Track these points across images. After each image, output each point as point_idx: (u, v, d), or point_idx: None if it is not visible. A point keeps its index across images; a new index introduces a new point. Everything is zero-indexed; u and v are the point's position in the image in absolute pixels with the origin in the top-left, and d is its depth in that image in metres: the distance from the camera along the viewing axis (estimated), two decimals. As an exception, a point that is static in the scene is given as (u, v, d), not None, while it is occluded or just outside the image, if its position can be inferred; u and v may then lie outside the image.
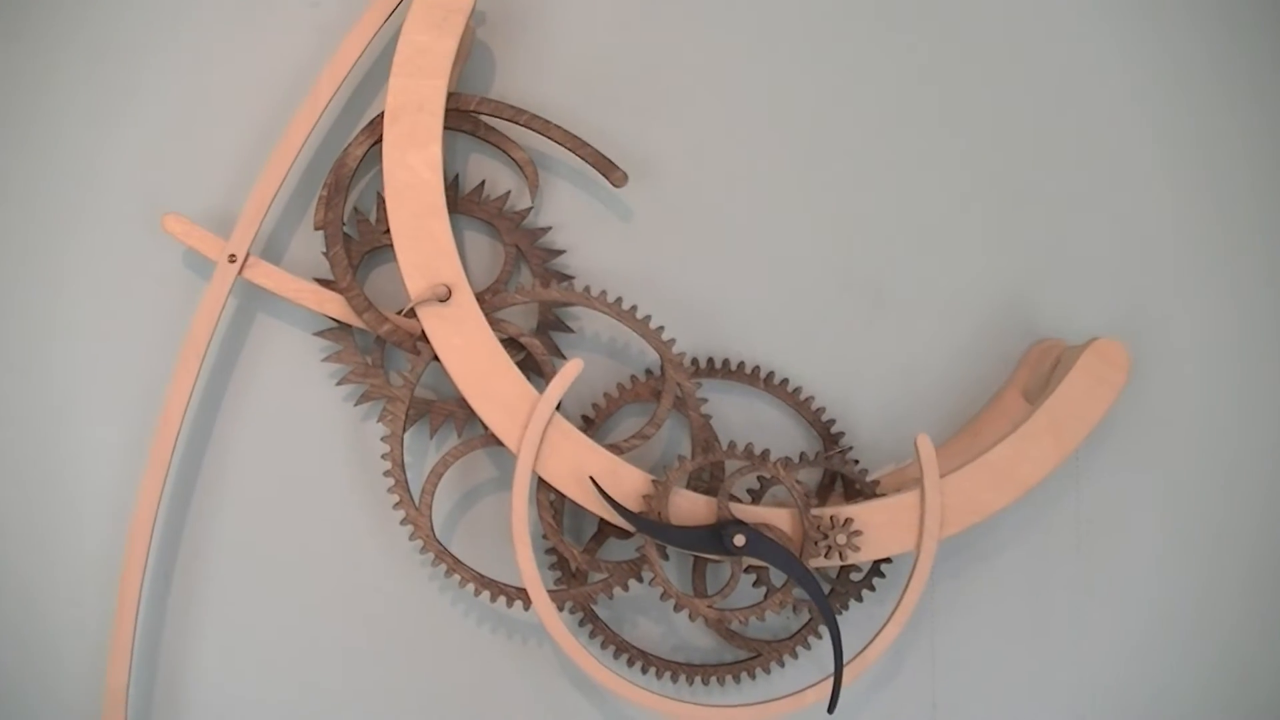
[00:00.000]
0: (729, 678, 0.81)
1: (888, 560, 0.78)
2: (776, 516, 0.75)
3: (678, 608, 0.76)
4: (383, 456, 0.76)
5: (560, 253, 0.80)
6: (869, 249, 0.82)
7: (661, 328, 0.77)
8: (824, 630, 0.80)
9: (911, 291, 0.82)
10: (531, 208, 0.80)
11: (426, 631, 0.83)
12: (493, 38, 0.80)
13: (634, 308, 0.77)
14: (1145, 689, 0.85)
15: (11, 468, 0.81)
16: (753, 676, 0.81)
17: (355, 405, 0.80)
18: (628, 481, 0.75)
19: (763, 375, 0.81)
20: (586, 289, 0.77)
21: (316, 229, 0.76)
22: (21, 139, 0.80)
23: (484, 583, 0.78)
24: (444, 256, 0.73)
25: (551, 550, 0.79)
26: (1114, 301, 0.83)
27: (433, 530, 0.77)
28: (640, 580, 0.78)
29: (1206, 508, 0.84)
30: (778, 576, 0.77)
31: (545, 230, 0.80)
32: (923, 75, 0.82)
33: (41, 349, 0.81)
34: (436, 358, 0.74)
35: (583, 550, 0.78)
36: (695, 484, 0.78)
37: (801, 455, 0.79)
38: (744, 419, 0.82)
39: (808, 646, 0.81)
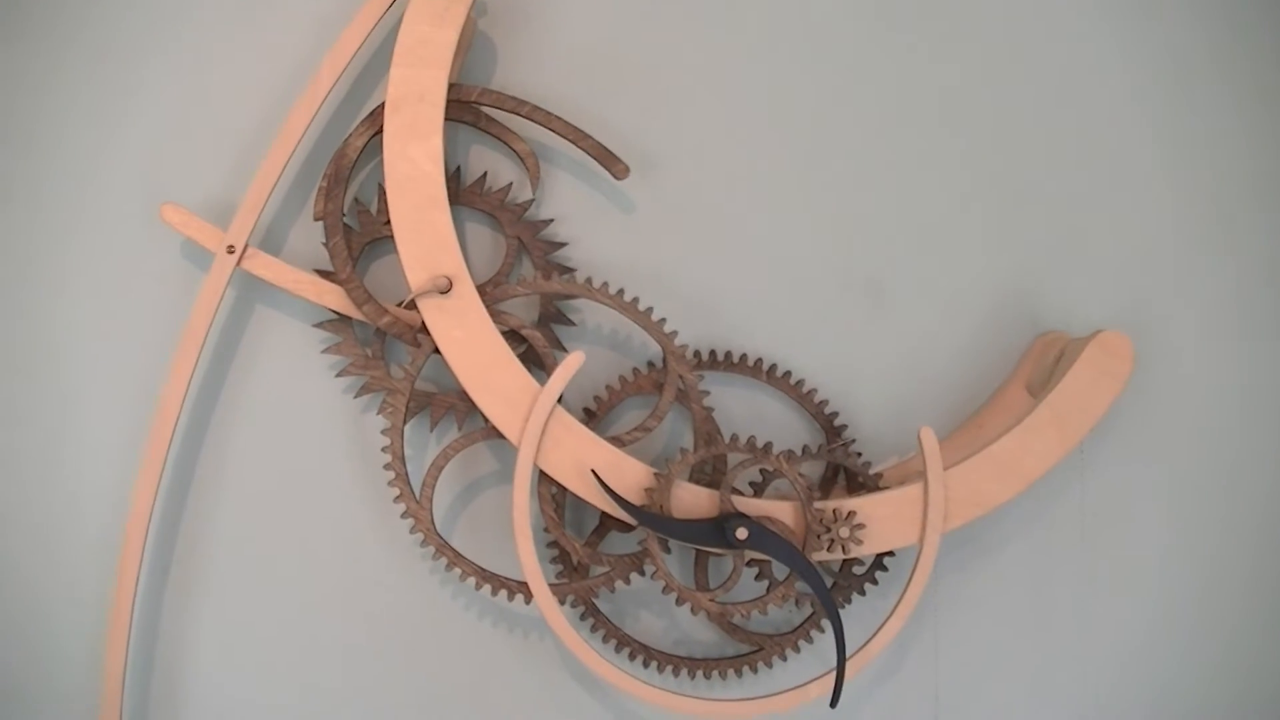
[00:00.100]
0: (731, 672, 0.81)
1: (891, 553, 0.78)
2: (779, 509, 0.75)
3: (680, 601, 0.75)
4: (383, 449, 0.76)
5: (562, 245, 0.80)
6: (873, 241, 0.82)
7: (664, 320, 0.77)
8: (826, 624, 0.80)
9: (914, 284, 0.82)
10: (534, 200, 0.80)
11: (427, 625, 0.82)
12: (494, 29, 0.80)
13: (636, 300, 0.76)
14: (1149, 682, 0.85)
15: (10, 460, 0.81)
16: (755, 670, 0.81)
17: (355, 397, 0.80)
18: (630, 474, 0.74)
19: (765, 368, 0.81)
20: (588, 281, 0.77)
21: (316, 220, 0.76)
22: (21, 132, 0.80)
23: (485, 576, 0.77)
24: (445, 248, 0.73)
25: (553, 543, 0.79)
26: (1117, 294, 0.83)
27: (433, 523, 0.77)
28: (642, 573, 0.77)
29: (1211, 500, 0.84)
30: (780, 570, 0.77)
31: (547, 222, 0.80)
32: (925, 68, 0.82)
33: (39, 341, 0.80)
34: (437, 350, 0.74)
35: (584, 543, 0.78)
36: (697, 477, 0.78)
37: (804, 448, 0.79)
38: (746, 412, 0.82)
39: (810, 640, 0.81)
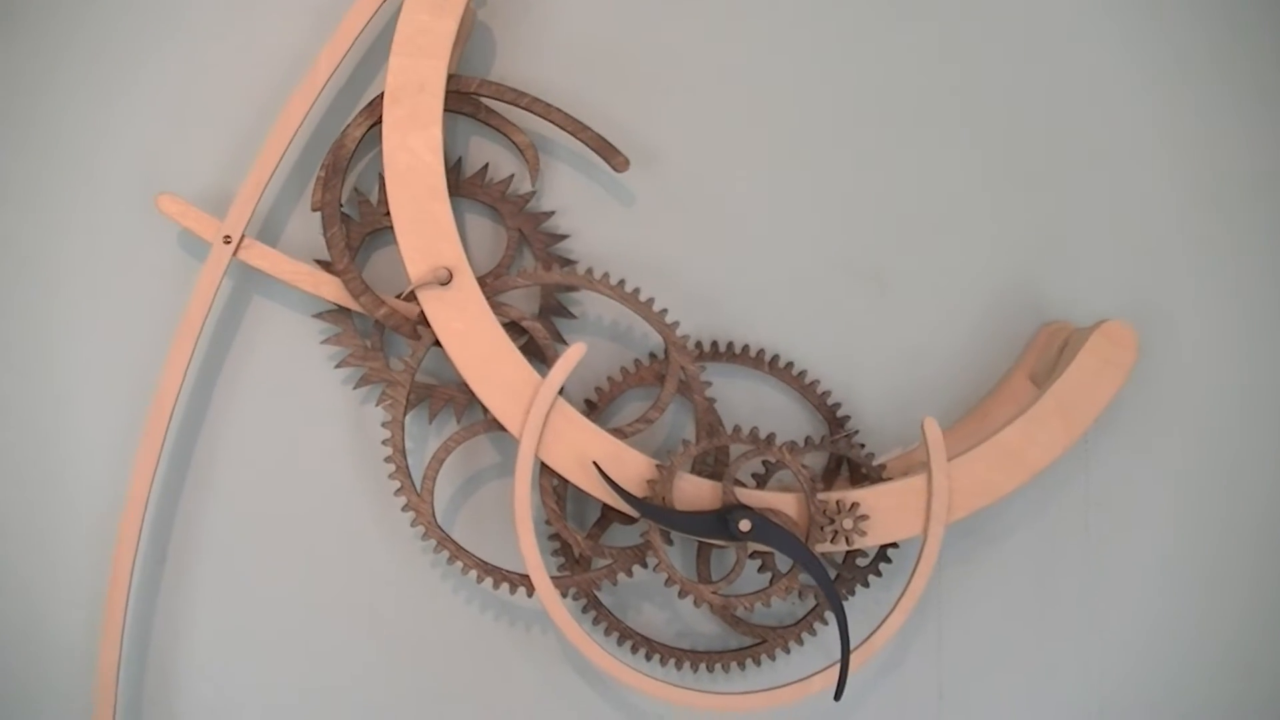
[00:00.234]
0: (734, 664, 0.80)
1: (894, 545, 0.78)
2: (782, 501, 0.74)
3: (682, 594, 0.75)
4: (384, 442, 0.76)
5: (564, 237, 0.80)
6: (875, 231, 0.82)
7: (665, 310, 0.76)
8: (830, 616, 0.80)
9: (917, 274, 0.82)
10: (535, 192, 0.79)
11: (428, 618, 0.82)
12: (493, 19, 0.79)
13: (637, 290, 0.76)
14: (1154, 673, 0.85)
15: (4, 453, 0.80)
16: (758, 663, 0.81)
17: (354, 389, 0.80)
18: (631, 466, 0.74)
19: (767, 358, 0.80)
20: (589, 271, 0.76)
21: (314, 210, 0.75)
22: (17, 123, 0.79)
23: (486, 569, 0.77)
24: (445, 239, 0.73)
25: (554, 536, 0.79)
26: (1121, 284, 0.82)
27: (434, 516, 0.76)
28: (644, 566, 0.77)
29: (1216, 491, 0.84)
30: (783, 562, 0.76)
31: (549, 214, 0.80)
32: (928, 58, 0.81)
33: (34, 333, 0.80)
34: (437, 342, 0.73)
35: (586, 536, 0.77)
36: (700, 468, 0.77)
37: (807, 439, 0.79)
38: (749, 403, 0.82)
39: (813, 633, 0.80)
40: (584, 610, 0.80)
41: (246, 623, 0.82)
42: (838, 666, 0.74)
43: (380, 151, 0.72)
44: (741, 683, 0.82)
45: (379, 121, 0.73)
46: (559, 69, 0.80)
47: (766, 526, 0.73)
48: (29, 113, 0.79)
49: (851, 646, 0.74)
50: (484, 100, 0.77)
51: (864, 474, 0.78)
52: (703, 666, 0.80)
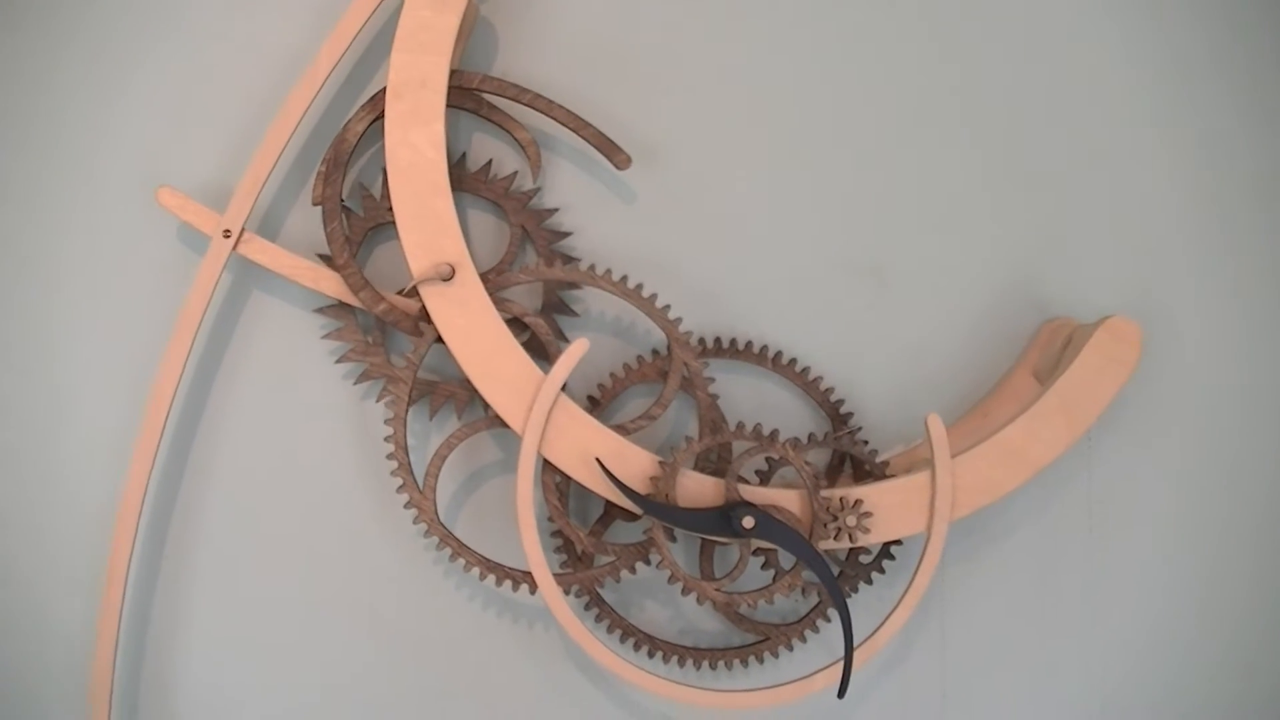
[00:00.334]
0: (737, 662, 0.80)
1: (898, 542, 0.77)
2: (785, 498, 0.74)
3: (685, 591, 0.75)
4: (386, 439, 0.76)
5: (567, 235, 0.80)
6: (878, 227, 0.82)
7: (668, 307, 0.76)
8: (833, 614, 0.80)
9: (920, 270, 0.82)
10: (539, 188, 0.79)
11: (430, 616, 0.82)
12: (496, 15, 0.79)
13: (639, 286, 0.76)
14: (1157, 671, 0.85)
15: (2, 448, 0.80)
16: (761, 661, 0.81)
17: (355, 384, 0.79)
18: (634, 463, 0.74)
19: (771, 355, 0.80)
20: (591, 268, 0.76)
21: (315, 205, 0.75)
22: (19, 116, 0.79)
23: (489, 566, 0.77)
24: (448, 235, 0.73)
25: (557, 533, 0.78)
26: (1125, 281, 0.82)
27: (437, 513, 0.76)
28: (647, 563, 0.77)
29: (1219, 488, 0.84)
30: (786, 559, 0.76)
31: (552, 211, 0.79)
32: (931, 55, 0.81)
33: (35, 329, 0.80)
34: (440, 338, 0.73)
35: (589, 533, 0.77)
36: (703, 465, 0.77)
37: (810, 436, 0.78)
38: (752, 399, 0.81)
39: (817, 630, 0.80)
40: (586, 607, 0.80)
41: (246, 620, 0.82)
42: (841, 664, 0.74)
43: (383, 146, 0.72)
44: (744, 680, 0.82)
45: (381, 116, 0.73)
46: (561, 65, 0.79)
47: (769, 523, 0.72)
48: (28, 108, 0.79)
49: (855, 644, 0.74)
50: (486, 96, 0.77)
51: (867, 471, 0.78)
52: (705, 664, 0.80)
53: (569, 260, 0.79)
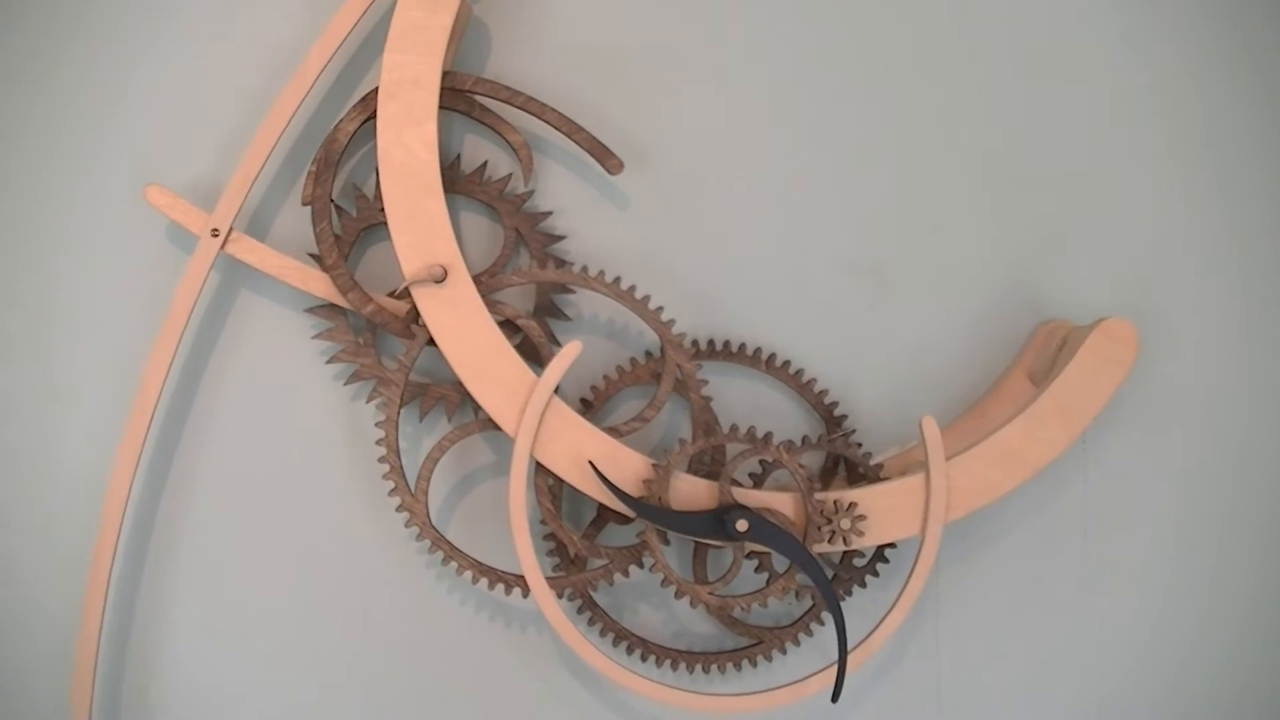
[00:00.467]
0: (730, 665, 0.80)
1: (892, 545, 0.77)
2: (779, 501, 0.74)
3: (678, 594, 0.75)
4: (377, 442, 0.75)
5: (561, 238, 0.79)
6: (872, 229, 0.81)
7: (661, 309, 0.76)
8: (827, 617, 0.79)
9: (914, 272, 0.81)
10: (532, 191, 0.79)
11: (423, 619, 0.82)
12: (489, 15, 0.79)
13: (633, 288, 0.75)
14: (1153, 674, 0.84)
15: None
16: (754, 664, 0.80)
17: (345, 385, 0.79)
18: (628, 466, 0.73)
19: (764, 357, 0.80)
20: (584, 269, 0.76)
21: (304, 205, 0.75)
22: (10, 115, 0.79)
23: (481, 570, 0.76)
24: (440, 236, 0.72)
25: (550, 536, 0.78)
26: (1121, 282, 0.82)
27: (429, 517, 0.76)
28: (640, 566, 0.77)
29: (1215, 491, 0.84)
30: (780, 562, 0.76)
31: (546, 214, 0.79)
32: (924, 56, 0.81)
33: (19, 325, 0.80)
34: (432, 340, 0.73)
35: (582, 536, 0.77)
36: (696, 468, 0.77)
37: (804, 438, 0.78)
38: (745, 401, 0.81)
39: (810, 633, 0.80)
40: (579, 611, 0.79)
41: (234, 625, 0.81)
42: (835, 668, 0.73)
43: (374, 147, 0.72)
44: (738, 684, 0.82)
45: (372, 117, 0.73)
46: (555, 67, 0.79)
47: (763, 526, 0.72)
48: (20, 106, 0.79)
49: (849, 647, 0.73)
50: (479, 99, 0.77)
51: (861, 473, 0.77)
52: (699, 668, 0.80)
53: (562, 264, 0.79)
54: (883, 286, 0.81)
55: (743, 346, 0.80)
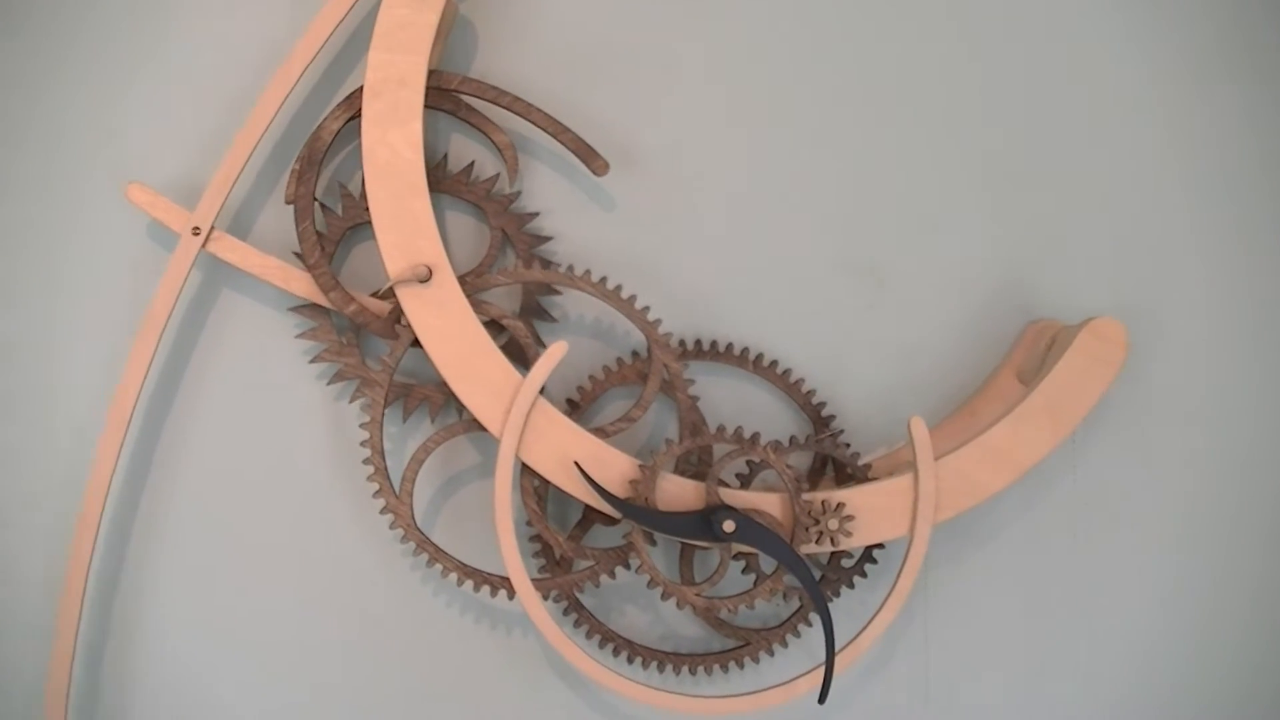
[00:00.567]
0: (718, 667, 0.80)
1: (880, 545, 0.77)
2: (766, 501, 0.74)
3: (665, 596, 0.74)
4: (362, 444, 0.75)
5: (548, 239, 0.79)
6: (861, 229, 0.81)
7: (647, 309, 0.75)
8: (815, 618, 0.79)
9: (903, 272, 0.81)
10: (519, 191, 0.78)
11: (408, 622, 0.81)
12: (475, 13, 0.79)
13: (619, 288, 0.75)
14: (1145, 673, 0.84)
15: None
16: (742, 666, 0.80)
17: (329, 384, 0.79)
18: (614, 466, 0.73)
19: (751, 357, 0.80)
20: (570, 268, 0.76)
21: (288, 203, 0.75)
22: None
23: (467, 572, 0.76)
24: (425, 236, 0.72)
25: (536, 537, 0.78)
26: (1110, 283, 0.82)
27: (414, 519, 0.75)
28: (627, 567, 0.77)
29: (1203, 490, 0.83)
30: (768, 563, 0.76)
31: (533, 215, 0.79)
32: (918, 55, 0.81)
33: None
34: (417, 341, 0.72)
35: (568, 537, 0.77)
36: (683, 468, 0.77)
37: (791, 439, 0.78)
38: (732, 402, 0.81)
39: (798, 635, 0.80)
40: (565, 613, 0.79)
41: (216, 627, 0.81)
42: (822, 669, 0.73)
43: (358, 146, 0.72)
44: (725, 686, 0.81)
45: (357, 115, 0.73)
46: (541, 66, 0.79)
47: (750, 527, 0.72)
48: None
49: (837, 648, 0.73)
50: (465, 98, 0.76)
51: (849, 474, 0.77)
52: (685, 669, 0.80)
53: (548, 265, 0.79)
54: (871, 286, 0.81)
55: (730, 346, 0.80)
